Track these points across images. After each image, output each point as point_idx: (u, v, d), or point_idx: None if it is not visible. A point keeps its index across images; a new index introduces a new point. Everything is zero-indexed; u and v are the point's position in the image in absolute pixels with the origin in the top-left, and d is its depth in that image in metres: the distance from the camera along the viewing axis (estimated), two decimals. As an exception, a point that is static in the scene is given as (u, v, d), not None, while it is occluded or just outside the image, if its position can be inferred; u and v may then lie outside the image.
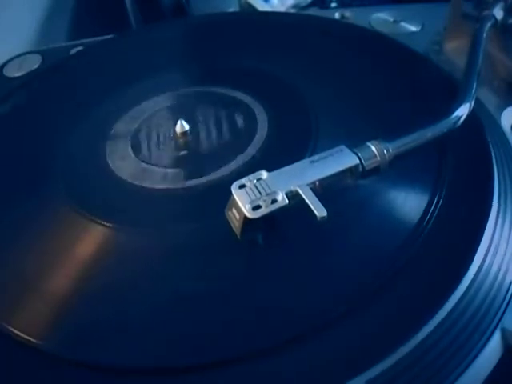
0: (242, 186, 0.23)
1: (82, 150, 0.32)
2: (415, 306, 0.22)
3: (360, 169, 0.24)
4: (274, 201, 0.23)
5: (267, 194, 0.23)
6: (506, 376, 0.23)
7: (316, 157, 0.24)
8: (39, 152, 0.33)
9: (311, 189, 0.23)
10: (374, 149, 0.25)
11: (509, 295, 0.24)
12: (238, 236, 0.24)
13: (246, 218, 0.23)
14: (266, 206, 0.23)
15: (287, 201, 0.23)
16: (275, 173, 0.24)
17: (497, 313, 0.23)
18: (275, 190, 0.23)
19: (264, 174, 0.24)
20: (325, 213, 0.22)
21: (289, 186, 0.23)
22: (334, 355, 0.21)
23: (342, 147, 0.25)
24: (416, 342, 0.21)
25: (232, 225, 0.24)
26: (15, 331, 0.23)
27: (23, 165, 0.32)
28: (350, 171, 0.24)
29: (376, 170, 0.25)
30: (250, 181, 0.23)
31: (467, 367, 0.21)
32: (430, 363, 0.21)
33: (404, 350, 0.21)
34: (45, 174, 0.31)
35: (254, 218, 0.22)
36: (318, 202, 0.22)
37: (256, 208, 0.23)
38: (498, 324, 0.23)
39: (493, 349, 0.22)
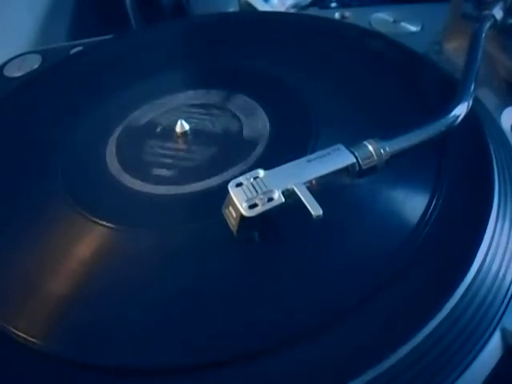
0: (238, 185, 0.23)
1: (82, 151, 0.32)
2: (415, 306, 0.22)
3: (357, 168, 0.24)
4: (271, 199, 0.23)
5: (264, 193, 0.23)
6: (506, 376, 0.23)
7: (313, 155, 0.24)
8: (39, 152, 0.33)
9: (307, 187, 0.23)
10: (370, 148, 0.25)
11: (509, 295, 0.23)
12: (235, 234, 0.24)
13: (242, 216, 0.23)
14: (263, 205, 0.23)
15: (283, 199, 0.23)
16: (272, 171, 0.24)
17: (497, 313, 0.23)
18: (272, 188, 0.23)
19: (261, 173, 0.24)
20: (320, 211, 0.22)
21: (285, 184, 0.23)
22: (334, 355, 0.21)
23: (339, 146, 0.25)
24: (416, 343, 0.21)
25: (229, 223, 0.24)
26: (16, 332, 0.23)
27: (23, 165, 0.32)
28: (347, 170, 0.24)
29: (373, 169, 0.25)
30: (247, 179, 0.24)
31: (467, 367, 0.21)
32: (430, 363, 0.21)
33: (404, 351, 0.21)
34: (45, 174, 0.31)
35: (250, 216, 0.22)
36: (314, 201, 0.22)
37: (252, 206, 0.23)
38: (497, 324, 0.23)
39: (493, 349, 0.22)
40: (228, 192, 0.23)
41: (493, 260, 0.24)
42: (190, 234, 0.26)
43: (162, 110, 0.34)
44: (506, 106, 0.33)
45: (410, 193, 0.26)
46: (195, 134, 0.31)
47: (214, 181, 0.28)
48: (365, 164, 0.24)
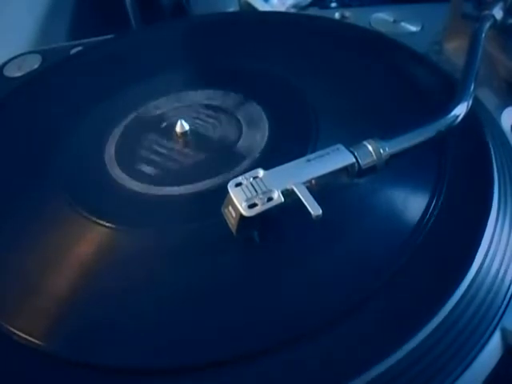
0: (238, 184, 0.23)
1: (81, 151, 0.32)
2: (415, 306, 0.22)
3: (356, 168, 0.24)
4: (270, 199, 0.23)
5: (263, 192, 0.23)
6: (506, 376, 0.23)
7: (312, 155, 0.24)
8: (39, 152, 0.33)
9: (307, 187, 0.23)
10: (370, 148, 0.25)
11: (509, 295, 0.23)
12: (234, 233, 0.24)
13: (242, 215, 0.23)
14: (262, 204, 0.23)
15: (283, 199, 0.23)
16: (271, 171, 0.24)
17: (497, 313, 0.23)
18: (271, 188, 0.23)
19: (260, 173, 0.24)
20: (320, 211, 0.22)
21: (285, 184, 0.23)
22: (334, 355, 0.21)
23: (339, 146, 0.25)
24: (416, 343, 0.21)
25: (228, 222, 0.24)
26: (15, 331, 0.23)
27: (23, 165, 0.32)
28: (347, 170, 0.24)
29: (372, 170, 0.25)
30: (247, 179, 0.24)
31: (467, 367, 0.21)
32: (430, 363, 0.21)
33: (404, 351, 0.21)
34: (45, 174, 0.31)
35: (250, 216, 0.22)
36: (313, 201, 0.22)
37: (252, 206, 0.23)
38: (498, 324, 0.23)
39: (493, 349, 0.22)
40: (227, 192, 0.23)
41: (493, 260, 0.24)
42: (189, 234, 0.26)
43: (161, 110, 0.34)
44: (506, 105, 0.33)
45: (410, 193, 0.26)
46: (195, 134, 0.31)
47: (213, 181, 0.28)
48: (364, 164, 0.24)
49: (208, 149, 0.30)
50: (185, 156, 0.30)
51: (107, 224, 0.27)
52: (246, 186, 0.23)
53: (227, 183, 0.24)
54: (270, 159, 0.28)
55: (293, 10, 0.48)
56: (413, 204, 0.26)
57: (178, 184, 0.28)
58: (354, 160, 0.24)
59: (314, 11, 0.48)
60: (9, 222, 0.29)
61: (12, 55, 0.44)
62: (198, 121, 0.32)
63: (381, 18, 0.42)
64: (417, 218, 0.25)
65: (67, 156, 0.32)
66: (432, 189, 0.26)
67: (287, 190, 0.23)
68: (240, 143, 0.30)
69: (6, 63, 0.43)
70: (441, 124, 0.26)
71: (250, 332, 0.22)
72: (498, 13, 0.33)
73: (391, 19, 0.42)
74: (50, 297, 0.24)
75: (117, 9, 0.54)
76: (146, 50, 0.40)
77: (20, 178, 0.31)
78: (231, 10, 0.51)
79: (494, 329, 0.22)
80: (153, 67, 0.37)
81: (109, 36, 0.43)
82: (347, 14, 0.43)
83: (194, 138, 0.31)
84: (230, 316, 0.23)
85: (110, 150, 0.31)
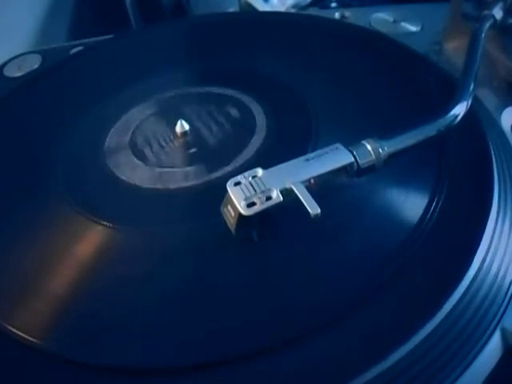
0: (237, 183, 0.23)
1: (81, 151, 0.32)
2: (415, 306, 0.22)
3: (355, 167, 0.24)
4: (269, 198, 0.23)
5: (262, 191, 0.23)
6: (506, 376, 0.23)
7: (311, 154, 0.24)
8: (39, 152, 0.33)
9: (306, 186, 0.23)
10: (369, 147, 0.25)
11: (509, 295, 0.24)
12: (233, 233, 0.24)
13: (240, 214, 0.23)
14: (261, 203, 0.23)
15: (281, 198, 0.23)
16: (270, 170, 0.24)
17: (497, 313, 0.23)
18: (270, 187, 0.23)
19: (259, 172, 0.24)
20: (318, 210, 0.22)
21: (283, 183, 0.23)
22: (334, 355, 0.21)
23: (338, 145, 0.25)
24: (416, 342, 0.21)
25: (227, 221, 0.24)
26: (15, 331, 0.23)
27: (23, 165, 0.32)
28: (345, 169, 0.24)
29: (371, 169, 0.25)
30: (246, 178, 0.24)
31: (467, 367, 0.21)
32: (430, 363, 0.21)
33: (404, 350, 0.21)
34: (45, 174, 0.31)
35: (248, 215, 0.22)
36: (312, 200, 0.22)
37: (251, 205, 0.23)
38: (497, 324, 0.23)
39: (493, 349, 0.22)
40: (226, 191, 0.23)
41: (493, 260, 0.24)
42: (189, 234, 0.26)
43: (162, 110, 0.34)
44: (506, 105, 0.33)
45: (409, 193, 0.26)
46: (195, 134, 0.31)
47: (214, 180, 0.28)
48: (363, 163, 0.24)
49: (208, 148, 0.30)
50: (183, 154, 0.30)
51: (106, 223, 0.27)
52: (245, 185, 0.23)
53: (224, 182, 0.24)
54: (269, 158, 0.28)
55: (293, 10, 0.48)
56: (413, 204, 0.26)
57: (179, 184, 0.28)
58: (352, 159, 0.24)
59: (314, 11, 0.48)
60: (9, 222, 0.29)
61: (12, 55, 0.44)
62: (197, 120, 0.32)
63: (381, 18, 0.42)
64: (417, 217, 0.25)
65: (67, 156, 0.32)
66: (432, 189, 0.26)
67: (286, 189, 0.23)
68: (239, 141, 0.30)
69: (6, 63, 0.43)
70: (440, 124, 0.26)
71: (250, 332, 0.22)
72: (497, 13, 0.33)
73: (391, 19, 0.42)
74: (50, 296, 0.24)
75: (117, 9, 0.54)
76: (146, 50, 0.40)
77: (20, 177, 0.31)
78: (231, 10, 0.51)
79: (494, 329, 0.22)
80: (153, 67, 0.37)
81: (109, 36, 0.43)
82: (347, 14, 0.43)
83: (194, 136, 0.31)
84: (229, 316, 0.23)
85: (110, 150, 0.31)
